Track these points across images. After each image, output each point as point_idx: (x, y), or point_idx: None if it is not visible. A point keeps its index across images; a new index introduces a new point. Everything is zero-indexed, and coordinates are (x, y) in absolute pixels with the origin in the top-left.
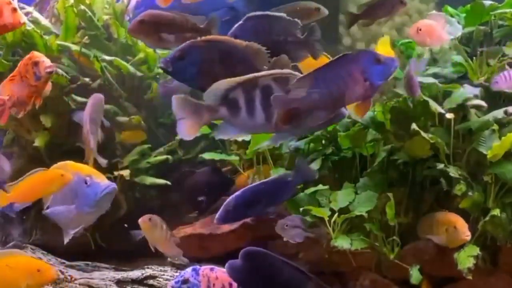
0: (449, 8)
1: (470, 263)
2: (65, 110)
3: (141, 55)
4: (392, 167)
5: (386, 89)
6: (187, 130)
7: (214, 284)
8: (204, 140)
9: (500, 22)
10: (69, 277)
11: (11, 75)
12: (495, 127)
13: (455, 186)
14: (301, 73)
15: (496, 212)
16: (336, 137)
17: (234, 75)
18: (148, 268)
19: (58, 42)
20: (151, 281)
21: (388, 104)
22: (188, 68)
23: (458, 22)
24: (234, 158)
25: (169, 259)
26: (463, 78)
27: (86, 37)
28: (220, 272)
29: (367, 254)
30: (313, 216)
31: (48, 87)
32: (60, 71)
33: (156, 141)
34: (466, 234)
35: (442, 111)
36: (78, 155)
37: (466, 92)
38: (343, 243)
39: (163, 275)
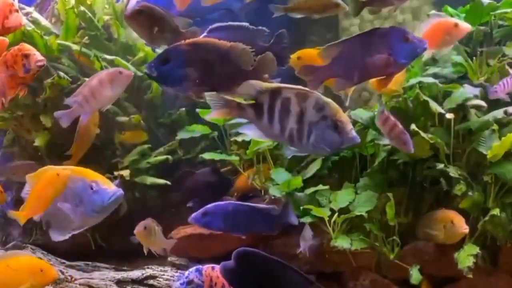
0: (449, 8)
1: (470, 262)
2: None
3: (140, 54)
4: (392, 167)
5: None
6: (215, 114)
7: (216, 283)
8: (204, 140)
9: (500, 22)
10: (69, 277)
11: None
12: (495, 127)
13: (455, 186)
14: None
15: (496, 212)
16: None
17: (220, 77)
18: (148, 268)
19: (59, 41)
20: (151, 281)
21: (388, 104)
22: (173, 72)
23: None
24: (234, 158)
25: (169, 259)
26: (463, 78)
27: (86, 37)
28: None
29: (367, 254)
30: (313, 216)
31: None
32: (61, 73)
33: (156, 141)
34: (464, 228)
35: (442, 111)
36: None
37: (466, 92)
38: (343, 243)
39: (163, 275)
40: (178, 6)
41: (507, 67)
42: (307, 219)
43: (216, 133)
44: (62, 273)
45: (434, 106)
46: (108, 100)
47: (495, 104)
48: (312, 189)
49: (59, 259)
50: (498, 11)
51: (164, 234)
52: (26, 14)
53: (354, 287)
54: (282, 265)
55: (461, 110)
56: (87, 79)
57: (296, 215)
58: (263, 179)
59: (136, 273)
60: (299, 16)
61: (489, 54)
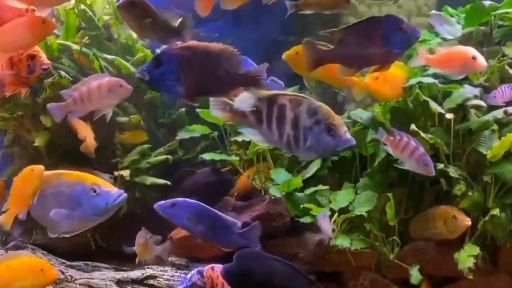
0: (449, 9)
1: (470, 262)
2: None
3: (140, 54)
4: (392, 167)
5: None
6: (219, 114)
7: (216, 284)
8: (204, 140)
9: (500, 23)
10: (69, 277)
11: None
12: (495, 127)
13: (455, 186)
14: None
15: (496, 212)
16: None
17: (212, 80)
18: (148, 268)
19: (59, 41)
20: (151, 281)
21: (388, 104)
22: (166, 76)
23: (458, 22)
24: (234, 158)
25: (169, 259)
26: (463, 78)
27: (87, 37)
28: (218, 268)
29: (367, 254)
30: (313, 216)
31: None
32: (63, 73)
33: (156, 141)
34: (467, 221)
35: (442, 111)
36: (78, 155)
37: (466, 92)
38: (343, 242)
39: (163, 275)
40: (201, 12)
41: (507, 67)
42: (307, 219)
43: (216, 133)
44: (62, 273)
45: (434, 106)
46: (101, 106)
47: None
48: (312, 189)
49: (59, 259)
50: (498, 11)
51: (164, 235)
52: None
53: (354, 287)
54: (284, 265)
55: (461, 110)
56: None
57: (296, 216)
58: (263, 179)
59: (136, 273)
60: (309, 12)
61: (489, 54)
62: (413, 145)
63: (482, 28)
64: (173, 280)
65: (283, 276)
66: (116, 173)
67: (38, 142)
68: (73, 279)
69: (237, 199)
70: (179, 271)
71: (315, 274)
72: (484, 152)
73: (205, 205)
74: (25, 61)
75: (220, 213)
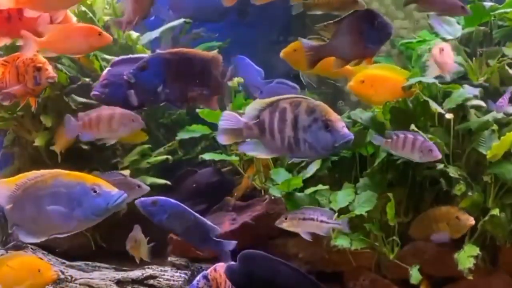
0: None
1: (470, 263)
2: (65, 111)
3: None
4: (392, 167)
5: None
6: (225, 139)
7: (220, 283)
8: (204, 140)
9: (500, 23)
10: (69, 277)
11: (3, 59)
12: (495, 127)
13: (454, 186)
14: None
15: (496, 212)
16: None
17: (199, 87)
18: (148, 268)
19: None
20: (151, 281)
21: (388, 104)
22: (150, 81)
23: (458, 23)
24: (234, 158)
25: (169, 259)
26: (463, 79)
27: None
28: (220, 267)
29: (367, 254)
30: None
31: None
32: (60, 66)
33: (156, 141)
34: (470, 220)
35: (442, 111)
36: (78, 155)
37: (466, 92)
38: (343, 242)
39: (163, 275)
40: (226, 3)
41: (506, 67)
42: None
43: (216, 133)
44: (62, 273)
45: (434, 106)
46: (111, 136)
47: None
48: (312, 189)
49: (59, 259)
50: (498, 11)
51: (164, 235)
52: None
53: (354, 287)
54: (287, 266)
55: (461, 110)
56: (87, 79)
57: None
58: (263, 179)
59: (136, 273)
60: (319, 12)
61: (489, 54)
62: (411, 137)
63: (482, 28)
64: (173, 280)
65: (287, 278)
66: None
67: (38, 142)
68: (73, 279)
69: (237, 199)
70: (179, 271)
71: (315, 274)
72: (484, 152)
73: (185, 207)
74: (32, 73)
75: (200, 217)
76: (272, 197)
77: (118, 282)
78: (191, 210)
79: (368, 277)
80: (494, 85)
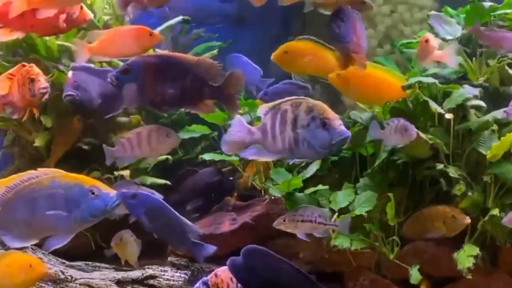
0: (449, 9)
1: (469, 263)
2: (65, 111)
3: None
4: (392, 167)
5: None
6: (230, 148)
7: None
8: (204, 141)
9: (500, 23)
10: (69, 277)
11: (9, 72)
12: (495, 127)
13: (454, 186)
14: None
15: (496, 212)
16: None
17: (184, 91)
18: (148, 268)
19: (59, 42)
20: (151, 281)
21: (388, 104)
22: (134, 83)
23: (458, 23)
24: (234, 158)
25: (169, 259)
26: (462, 79)
27: (87, 37)
28: (221, 272)
29: (367, 254)
30: None
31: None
32: (61, 67)
33: None
34: (466, 219)
35: (442, 111)
36: (78, 155)
37: (466, 92)
38: (343, 242)
39: (164, 275)
40: (256, 3)
41: (506, 67)
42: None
43: (216, 133)
44: (62, 273)
45: (434, 106)
46: (149, 155)
47: (494, 104)
48: (312, 189)
49: (59, 259)
50: (498, 12)
51: None
52: None
53: (354, 287)
54: (289, 266)
55: (461, 110)
56: None
57: None
58: (263, 179)
59: (136, 273)
60: (327, 12)
61: (489, 54)
62: (394, 121)
63: (482, 28)
64: (173, 280)
65: (288, 277)
66: (116, 173)
67: (38, 142)
68: (73, 279)
69: (237, 199)
70: (179, 271)
71: (315, 274)
72: (484, 152)
73: (166, 205)
74: (27, 84)
75: (181, 217)
76: (272, 197)
77: (118, 282)
78: (172, 209)
79: (368, 277)
80: (494, 85)
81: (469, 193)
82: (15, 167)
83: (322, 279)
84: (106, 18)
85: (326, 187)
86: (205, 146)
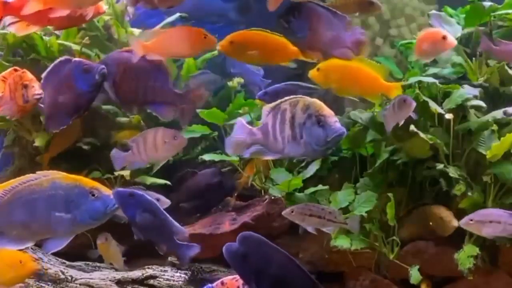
0: (449, 9)
1: (470, 263)
2: None
3: None
4: (392, 167)
5: None
6: (234, 150)
7: None
8: (204, 141)
9: (500, 23)
10: (69, 277)
11: (2, 75)
12: (495, 127)
13: (454, 186)
14: None
15: None
16: None
17: (146, 92)
18: (148, 268)
19: (59, 42)
20: (151, 281)
21: (388, 104)
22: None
23: (458, 23)
24: (234, 159)
25: (169, 259)
26: (462, 79)
27: (87, 37)
28: (228, 280)
29: (367, 254)
30: None
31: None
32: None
33: None
34: (454, 222)
35: (442, 111)
36: (78, 156)
37: (466, 92)
38: (343, 242)
39: (164, 275)
40: (271, 7)
41: (506, 67)
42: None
43: (216, 133)
44: (63, 273)
45: (433, 106)
46: (156, 159)
47: (494, 104)
48: (312, 189)
49: (59, 259)
50: (498, 12)
51: None
52: None
53: (354, 287)
54: (283, 255)
55: (461, 110)
56: None
57: None
58: (263, 179)
59: (136, 273)
60: None
61: (489, 54)
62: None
63: (482, 28)
64: (173, 280)
65: (280, 265)
66: (116, 173)
67: (38, 142)
68: (73, 279)
69: (237, 199)
70: (179, 271)
71: (315, 274)
72: (484, 153)
73: (158, 205)
74: (20, 90)
75: (169, 217)
76: (272, 197)
77: (118, 282)
78: (162, 209)
79: (368, 277)
80: (493, 85)
81: (469, 193)
82: (15, 167)
83: (322, 279)
84: (106, 18)
85: (326, 187)
86: (205, 147)
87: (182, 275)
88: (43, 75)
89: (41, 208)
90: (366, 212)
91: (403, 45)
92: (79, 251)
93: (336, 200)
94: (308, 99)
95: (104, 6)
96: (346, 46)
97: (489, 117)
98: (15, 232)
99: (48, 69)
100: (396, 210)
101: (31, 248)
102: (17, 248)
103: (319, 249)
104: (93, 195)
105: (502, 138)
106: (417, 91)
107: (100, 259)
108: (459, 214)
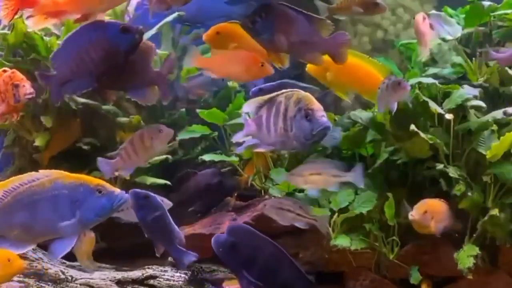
0: (449, 9)
1: (470, 263)
2: (65, 111)
3: None
4: (392, 167)
5: None
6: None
7: None
8: (204, 141)
9: (500, 23)
10: (69, 277)
11: None
12: (494, 127)
13: (454, 186)
14: None
15: (495, 212)
16: None
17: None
18: (148, 268)
19: (59, 42)
20: (151, 281)
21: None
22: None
23: (458, 23)
24: (233, 159)
25: (169, 259)
26: (462, 79)
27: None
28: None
29: (367, 254)
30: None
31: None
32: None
33: None
34: (410, 215)
35: (442, 111)
36: (78, 155)
37: (466, 92)
38: (343, 242)
39: (164, 275)
40: None
41: (506, 67)
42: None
43: (216, 134)
44: (63, 273)
45: (433, 106)
46: (149, 156)
47: (494, 104)
48: None
49: (59, 259)
50: (498, 12)
51: None
52: None
53: (354, 287)
54: (271, 245)
55: (461, 110)
56: None
57: None
58: (263, 179)
59: (136, 273)
60: (342, 17)
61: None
62: (386, 80)
63: (482, 28)
64: (173, 280)
65: (268, 256)
66: (116, 173)
67: (39, 142)
68: (73, 279)
69: (237, 199)
70: (179, 271)
71: (315, 274)
72: (484, 153)
73: (164, 211)
74: (11, 90)
75: (172, 222)
76: (272, 197)
77: (119, 282)
78: (167, 214)
79: (368, 277)
80: (493, 85)
81: (469, 193)
82: (16, 167)
83: (322, 279)
84: (106, 18)
85: None
86: (205, 147)
87: (182, 275)
88: (63, 39)
89: (44, 209)
90: (366, 212)
91: (403, 45)
92: None
93: (336, 200)
94: (302, 93)
95: None
96: (321, 50)
97: (489, 117)
98: (18, 234)
99: (71, 33)
100: (396, 210)
101: (32, 249)
102: (21, 251)
103: (319, 249)
104: (100, 191)
105: (502, 138)
106: (417, 91)
107: (100, 259)
108: (459, 215)
